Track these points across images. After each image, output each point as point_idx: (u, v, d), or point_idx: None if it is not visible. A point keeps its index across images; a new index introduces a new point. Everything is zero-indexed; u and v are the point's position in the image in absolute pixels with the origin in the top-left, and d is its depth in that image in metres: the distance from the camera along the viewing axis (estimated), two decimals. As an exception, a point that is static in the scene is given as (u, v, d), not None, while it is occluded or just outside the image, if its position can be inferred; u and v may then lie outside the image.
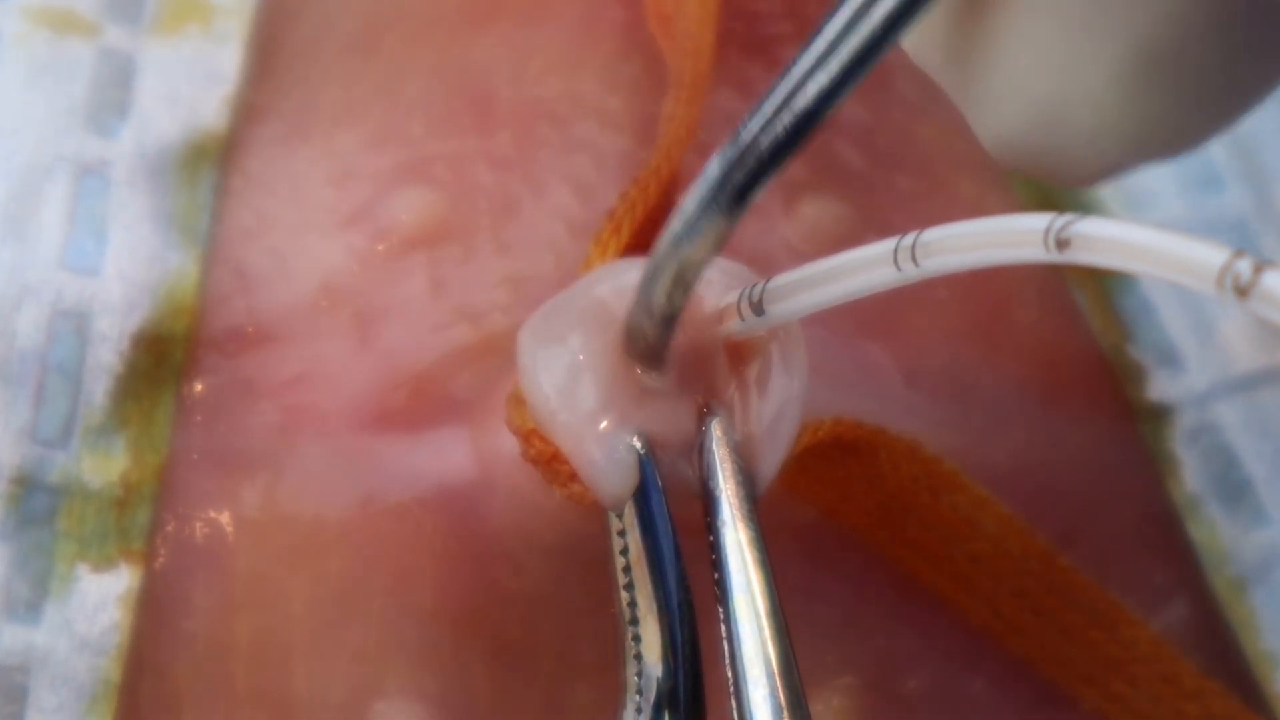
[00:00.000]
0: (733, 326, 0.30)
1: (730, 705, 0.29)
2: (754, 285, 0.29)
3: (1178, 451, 0.40)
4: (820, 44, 0.25)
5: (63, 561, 0.35)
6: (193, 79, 0.41)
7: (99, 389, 0.37)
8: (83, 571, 0.35)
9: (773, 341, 0.31)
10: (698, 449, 0.31)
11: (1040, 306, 0.41)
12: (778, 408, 0.31)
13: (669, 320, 0.29)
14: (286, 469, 0.37)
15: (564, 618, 0.36)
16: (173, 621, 0.36)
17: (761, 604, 0.29)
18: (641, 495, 0.30)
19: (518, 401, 0.32)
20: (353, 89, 0.43)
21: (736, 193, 0.27)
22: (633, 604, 0.30)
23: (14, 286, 0.37)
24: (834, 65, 0.25)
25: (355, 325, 0.39)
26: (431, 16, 0.44)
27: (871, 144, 0.43)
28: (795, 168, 0.38)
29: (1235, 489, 0.39)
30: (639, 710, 0.30)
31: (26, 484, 0.35)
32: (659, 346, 0.30)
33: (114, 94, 0.40)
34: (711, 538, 0.30)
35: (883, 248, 0.26)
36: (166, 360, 0.38)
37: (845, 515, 0.37)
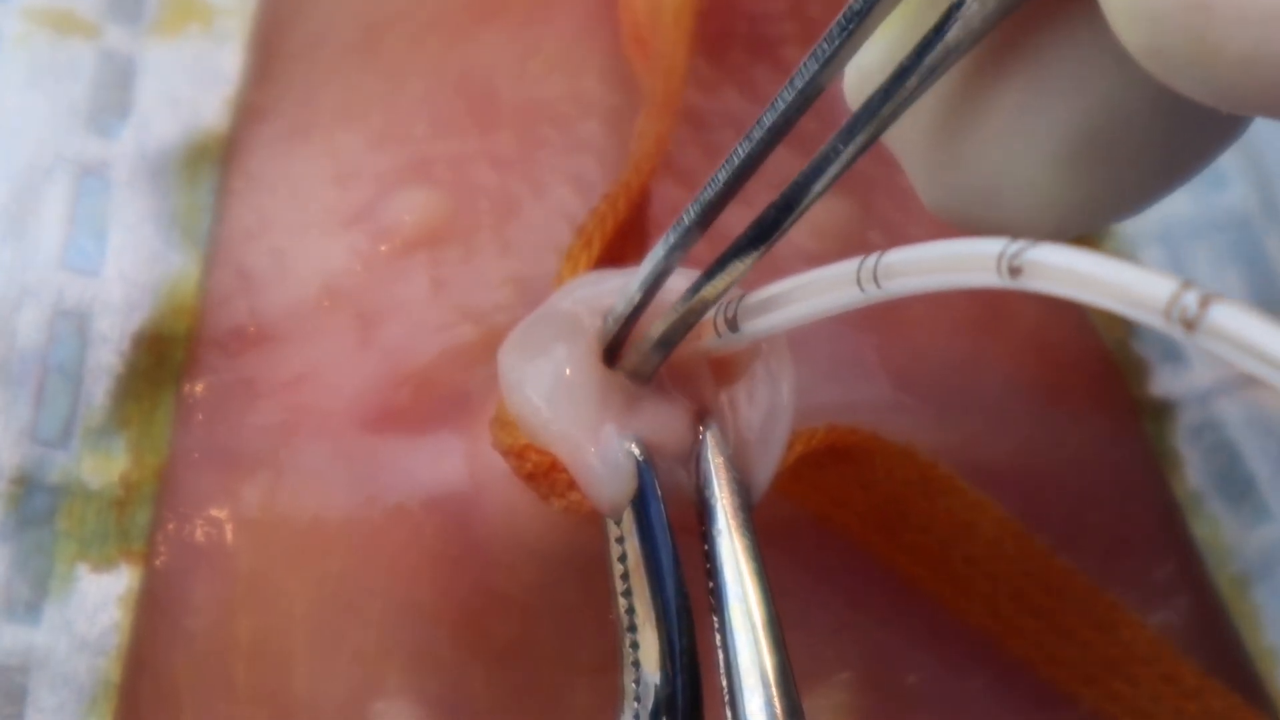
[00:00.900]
0: (710, 343, 0.30)
1: (725, 714, 0.29)
2: (727, 303, 0.29)
3: (1181, 448, 0.40)
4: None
5: (63, 562, 0.35)
6: (193, 79, 0.41)
7: (99, 389, 0.37)
8: (83, 572, 0.35)
9: (759, 351, 0.31)
10: (694, 457, 0.31)
11: (1043, 302, 0.41)
12: (769, 417, 0.31)
13: (668, 346, 0.30)
14: (287, 469, 0.37)
15: (563, 619, 0.36)
16: (173, 621, 0.36)
17: (758, 614, 0.29)
18: (640, 502, 0.30)
19: (503, 423, 0.32)
20: (354, 89, 0.43)
21: (762, 232, 0.28)
22: (630, 611, 0.30)
23: (14, 287, 0.37)
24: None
25: (357, 325, 0.39)
26: (433, 16, 0.44)
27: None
28: (792, 162, 0.38)
29: (1238, 486, 0.39)
30: (636, 717, 0.30)
31: (27, 484, 0.35)
32: (651, 367, 0.31)
33: (115, 94, 0.40)
34: (707, 546, 0.30)
35: (846, 268, 0.26)
36: (167, 361, 0.38)
37: (839, 519, 0.37)
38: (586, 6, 0.44)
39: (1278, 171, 0.42)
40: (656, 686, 0.30)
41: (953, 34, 0.25)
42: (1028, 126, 0.26)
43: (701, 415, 0.31)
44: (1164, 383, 0.40)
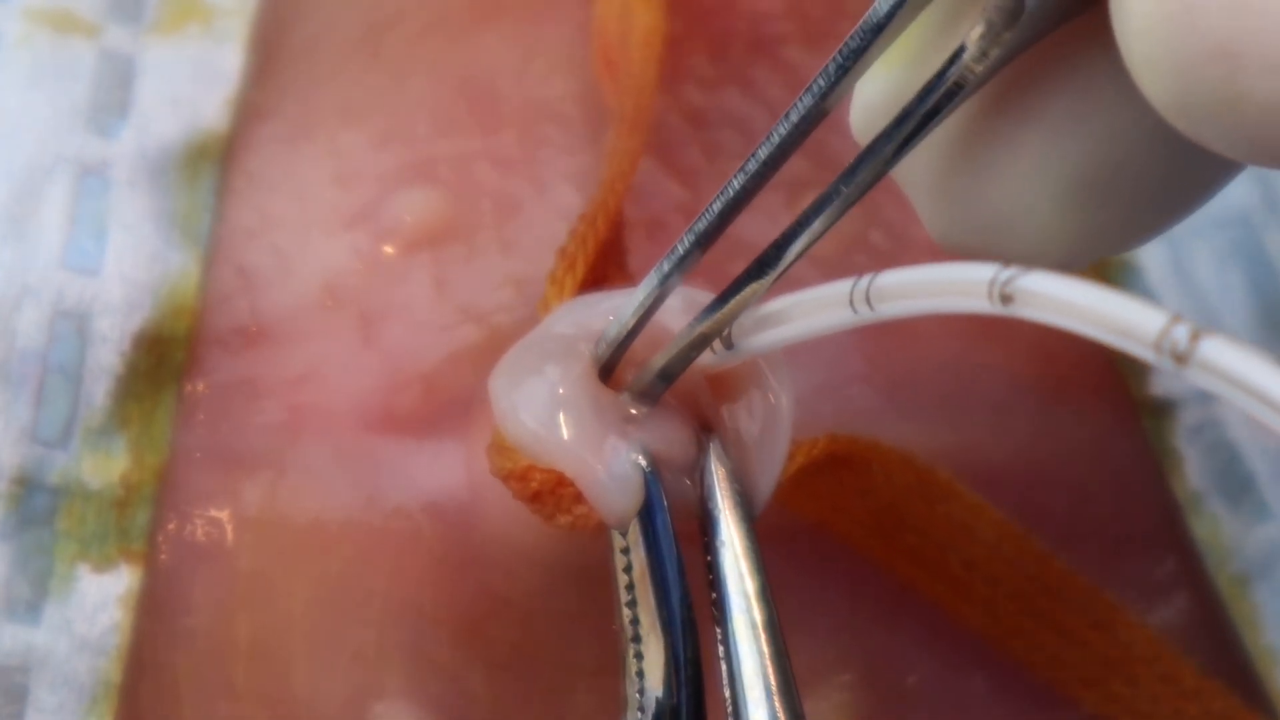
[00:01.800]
0: (707, 360, 0.30)
1: None
2: None
3: (1180, 447, 0.40)
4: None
5: (63, 562, 0.35)
6: (194, 79, 0.41)
7: (99, 389, 0.37)
8: (83, 572, 0.35)
9: (757, 364, 0.31)
10: (697, 469, 0.31)
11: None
12: (768, 429, 0.31)
13: (669, 379, 0.30)
14: (288, 469, 0.37)
15: (562, 623, 0.36)
16: (173, 621, 0.36)
17: (761, 625, 0.29)
18: (646, 513, 0.30)
19: (501, 448, 0.32)
20: (355, 88, 0.43)
21: (762, 268, 0.28)
22: (635, 621, 0.30)
23: (15, 287, 0.37)
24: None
25: (358, 325, 0.39)
26: (434, 16, 0.44)
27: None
28: (798, 166, 0.38)
29: (1238, 485, 0.39)
30: None
31: (27, 484, 0.35)
32: (655, 394, 0.31)
33: (115, 94, 0.40)
34: (709, 557, 0.30)
35: (839, 289, 0.26)
36: (167, 360, 0.38)
37: (838, 525, 0.37)
38: (588, 7, 0.43)
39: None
40: (659, 698, 0.30)
41: (955, 78, 0.25)
42: (1033, 164, 0.26)
43: (703, 428, 0.31)
44: (1164, 382, 0.40)
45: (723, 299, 0.29)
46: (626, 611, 0.30)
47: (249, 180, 0.41)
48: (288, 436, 0.38)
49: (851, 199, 0.27)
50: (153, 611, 0.36)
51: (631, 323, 0.30)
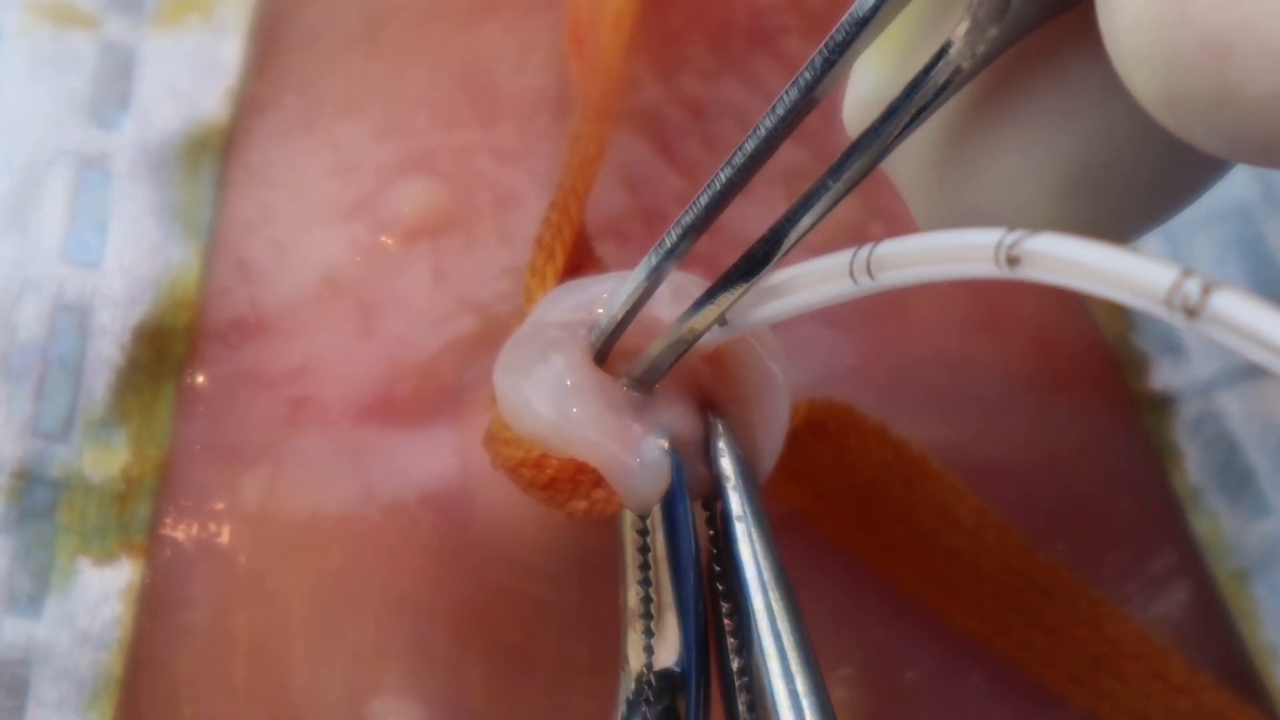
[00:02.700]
0: (703, 337, 0.30)
1: (739, 696, 0.29)
2: None
3: (1180, 442, 0.40)
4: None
5: (64, 555, 0.35)
6: (194, 71, 0.41)
7: (100, 383, 0.37)
8: (84, 565, 0.35)
9: (748, 339, 0.31)
10: (705, 446, 0.31)
11: (1043, 295, 0.41)
12: (769, 402, 0.31)
13: (659, 372, 0.30)
14: (288, 462, 0.37)
15: (560, 616, 0.36)
16: (173, 616, 0.36)
17: (776, 599, 0.30)
18: (668, 496, 0.30)
19: (504, 440, 0.32)
20: (355, 80, 0.42)
21: (751, 265, 0.28)
22: (647, 599, 0.30)
23: (15, 280, 0.37)
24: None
25: (358, 316, 0.39)
26: (433, 7, 0.44)
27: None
28: (798, 155, 0.38)
29: (1238, 480, 0.39)
30: (647, 702, 0.30)
31: (28, 478, 0.35)
32: (649, 383, 0.31)
33: (115, 86, 0.40)
34: (713, 531, 0.31)
35: (838, 260, 0.26)
36: (168, 354, 0.38)
37: (821, 515, 0.37)
38: (587, -2, 0.43)
39: None
40: (672, 669, 0.30)
41: (941, 73, 0.25)
42: (1022, 160, 0.26)
43: (705, 406, 0.31)
44: (1163, 376, 0.40)
45: (710, 295, 0.29)
46: (638, 589, 0.30)
47: (248, 173, 0.41)
48: (286, 429, 0.38)
49: (840, 193, 0.27)
50: (153, 605, 0.36)
51: (621, 314, 0.30)
